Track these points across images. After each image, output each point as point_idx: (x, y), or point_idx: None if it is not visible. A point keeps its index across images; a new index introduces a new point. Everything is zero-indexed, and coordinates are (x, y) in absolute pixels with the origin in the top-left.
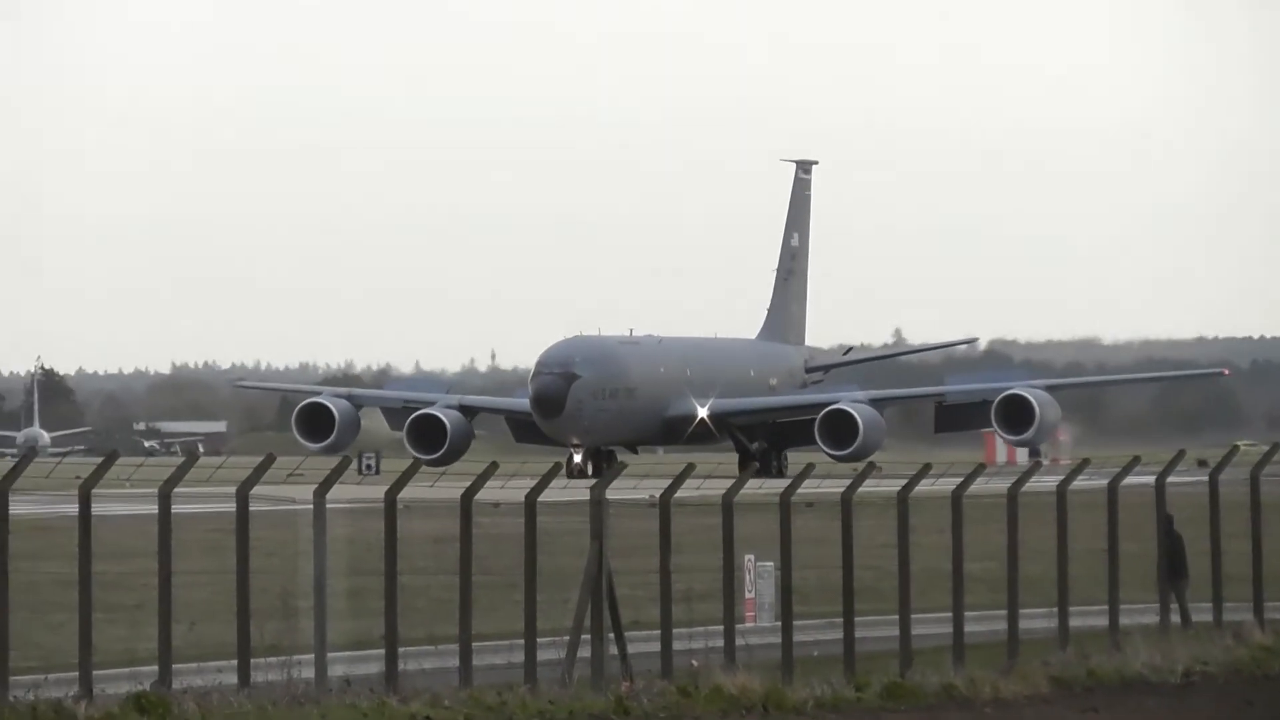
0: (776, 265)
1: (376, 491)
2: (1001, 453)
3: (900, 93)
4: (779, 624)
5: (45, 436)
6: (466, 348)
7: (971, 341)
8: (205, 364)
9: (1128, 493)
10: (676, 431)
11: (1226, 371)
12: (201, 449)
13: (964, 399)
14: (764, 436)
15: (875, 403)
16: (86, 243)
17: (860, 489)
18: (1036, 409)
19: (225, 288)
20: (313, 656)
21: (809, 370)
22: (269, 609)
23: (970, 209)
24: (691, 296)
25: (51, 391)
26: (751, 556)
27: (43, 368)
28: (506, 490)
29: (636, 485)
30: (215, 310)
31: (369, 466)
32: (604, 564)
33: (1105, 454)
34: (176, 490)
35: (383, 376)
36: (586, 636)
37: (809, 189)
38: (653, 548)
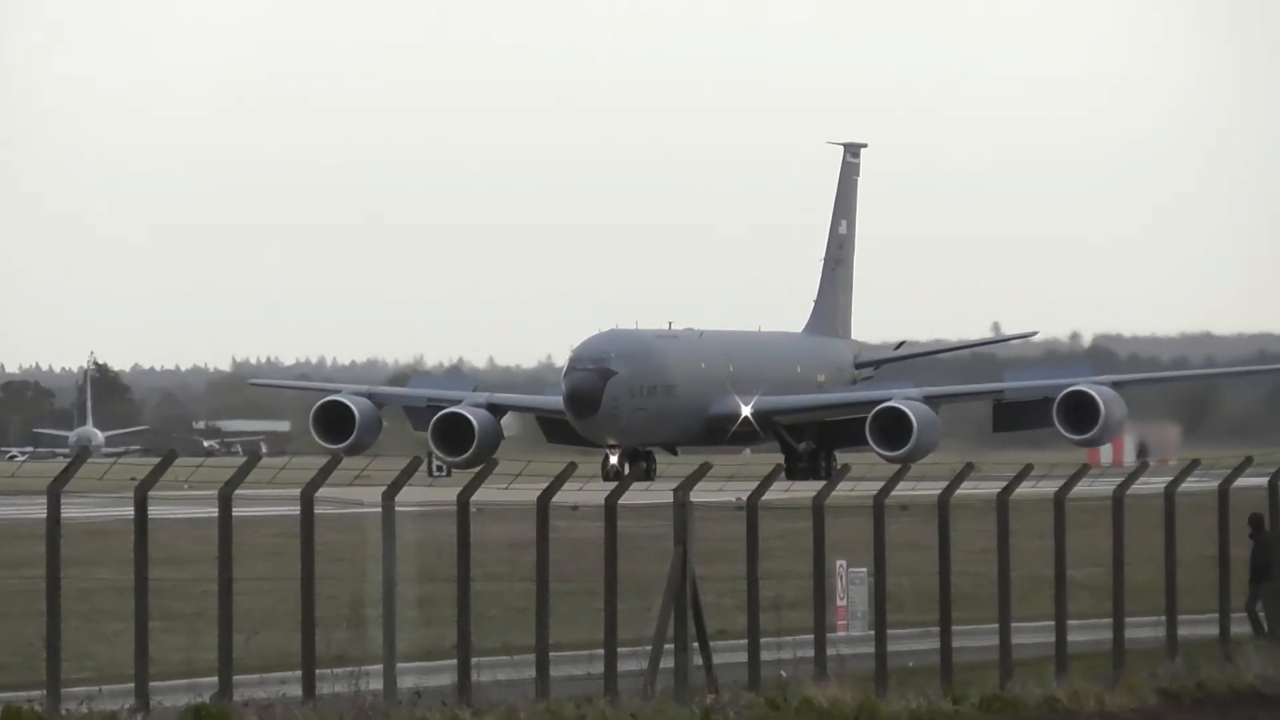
0: (824, 254)
1: (448, 494)
2: (1106, 454)
3: (956, 83)
4: (872, 633)
5: (99, 436)
6: (501, 343)
7: (1030, 335)
8: (268, 360)
9: (1240, 495)
10: (719, 431)
11: None
12: (264, 449)
13: (1024, 396)
14: (812, 436)
15: (930, 400)
16: (142, 236)
17: (957, 491)
18: (1101, 406)
19: (288, 281)
20: (381, 667)
21: (858, 366)
22: (335, 617)
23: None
24: (735, 288)
25: (105, 389)
26: (843, 562)
27: (96, 364)
28: (585, 493)
29: (722, 488)
30: (278, 305)
31: (440, 468)
32: (688, 570)
33: (1216, 454)
34: (237, 492)
35: (455, 372)
36: (669, 646)
37: (858, 173)
38: (739, 553)
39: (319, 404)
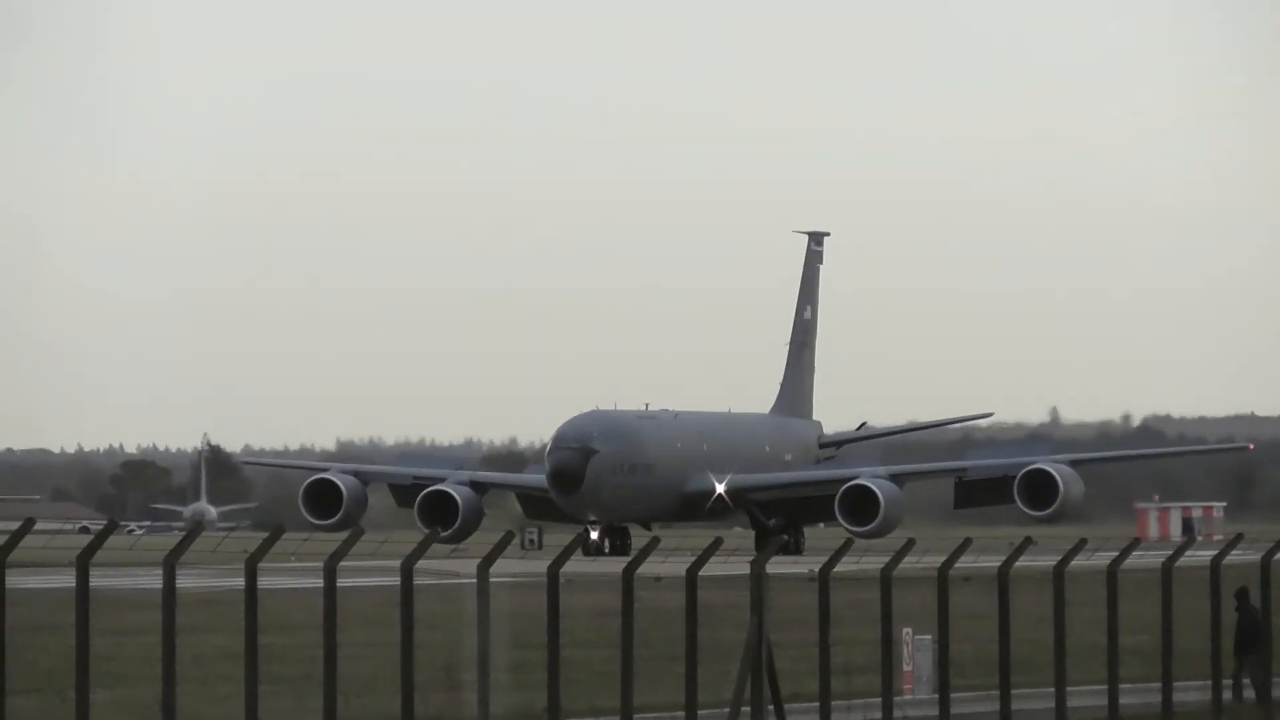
0: (789, 338)
1: (539, 566)
2: (1154, 528)
3: (919, 163)
4: (936, 696)
5: (212, 511)
6: (477, 423)
7: (987, 415)
8: (370, 440)
9: None
10: (694, 507)
11: (1251, 447)
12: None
13: (985, 474)
14: (781, 512)
15: (895, 478)
16: (252, 319)
17: (1016, 563)
18: (1060, 484)
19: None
20: None
21: (822, 446)
22: (433, 681)
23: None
24: (702, 371)
25: (218, 468)
26: (909, 630)
27: (209, 444)
28: (668, 565)
29: (796, 560)
30: (380, 384)
31: (531, 541)
32: (764, 637)
33: (1260, 529)
34: (342, 564)
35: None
36: (746, 709)
37: (821, 261)
38: (811, 621)
39: (307, 482)
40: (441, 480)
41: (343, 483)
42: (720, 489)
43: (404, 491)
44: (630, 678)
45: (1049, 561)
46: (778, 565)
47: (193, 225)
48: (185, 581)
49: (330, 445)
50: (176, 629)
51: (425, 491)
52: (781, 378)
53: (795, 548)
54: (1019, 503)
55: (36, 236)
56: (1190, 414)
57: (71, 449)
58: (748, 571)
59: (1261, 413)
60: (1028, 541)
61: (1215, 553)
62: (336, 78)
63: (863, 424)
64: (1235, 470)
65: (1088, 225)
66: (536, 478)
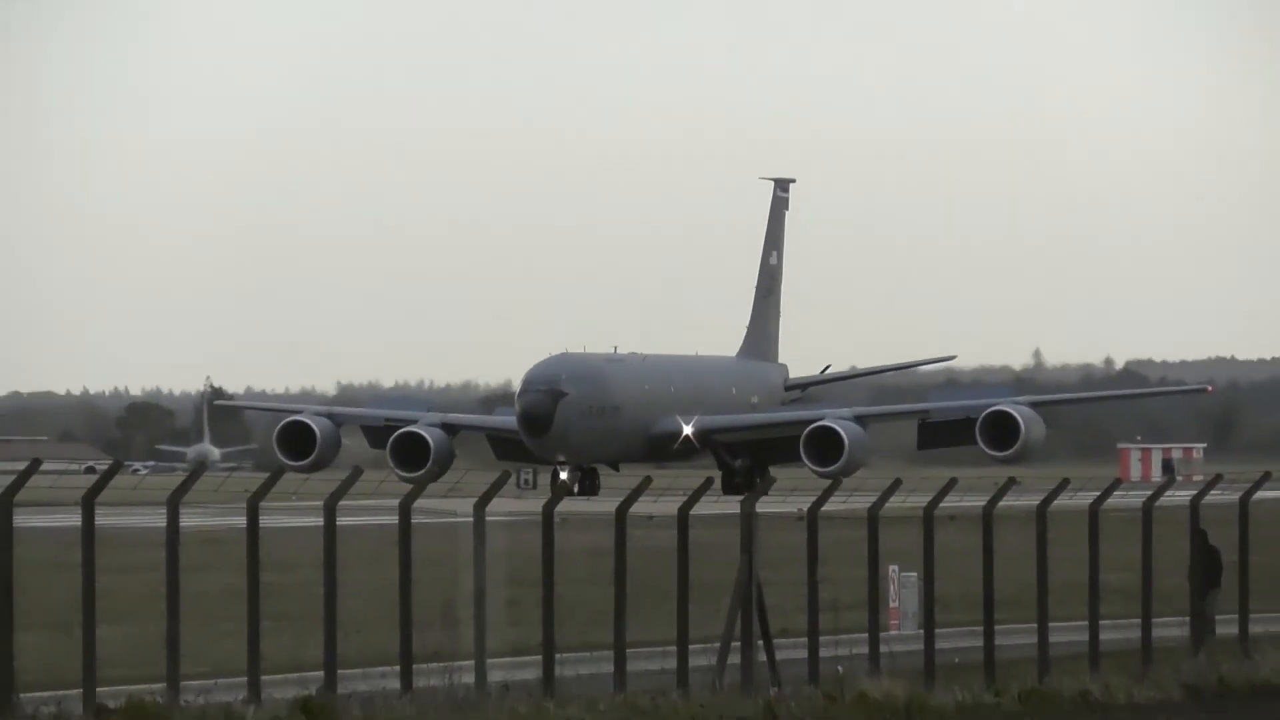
0: (755, 284)
1: (534, 505)
2: (1136, 469)
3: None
4: (922, 632)
5: (215, 452)
6: (444, 366)
7: (949, 359)
8: (369, 384)
9: (1259, 507)
10: (662, 448)
11: (1210, 389)
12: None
13: (947, 416)
14: (747, 453)
15: (859, 419)
16: (256, 261)
17: (1001, 502)
18: (1022, 425)
19: (390, 306)
20: (473, 663)
21: (788, 388)
22: (430, 618)
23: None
24: (670, 316)
25: (220, 410)
26: (896, 567)
27: (212, 387)
28: (660, 504)
29: (785, 499)
30: (379, 329)
31: (526, 481)
32: (753, 575)
33: (1238, 469)
34: (341, 504)
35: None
36: (736, 644)
37: (786, 207)
38: (800, 559)
39: (281, 424)
40: (413, 422)
41: (316, 425)
42: (687, 430)
43: (377, 433)
44: (623, 614)
45: (1032, 501)
46: (767, 505)
47: (197, 169)
48: (188, 520)
49: (330, 389)
50: (180, 567)
51: (397, 433)
52: (748, 322)
53: (763, 489)
54: (981, 443)
55: (39, 182)
56: (1172, 358)
57: (77, 391)
58: (738, 511)
59: (1241, 356)
60: (1011, 482)
61: (1194, 493)
62: (337, 28)
63: (827, 367)
64: (1215, 413)
65: (1069, 171)
66: (507, 420)
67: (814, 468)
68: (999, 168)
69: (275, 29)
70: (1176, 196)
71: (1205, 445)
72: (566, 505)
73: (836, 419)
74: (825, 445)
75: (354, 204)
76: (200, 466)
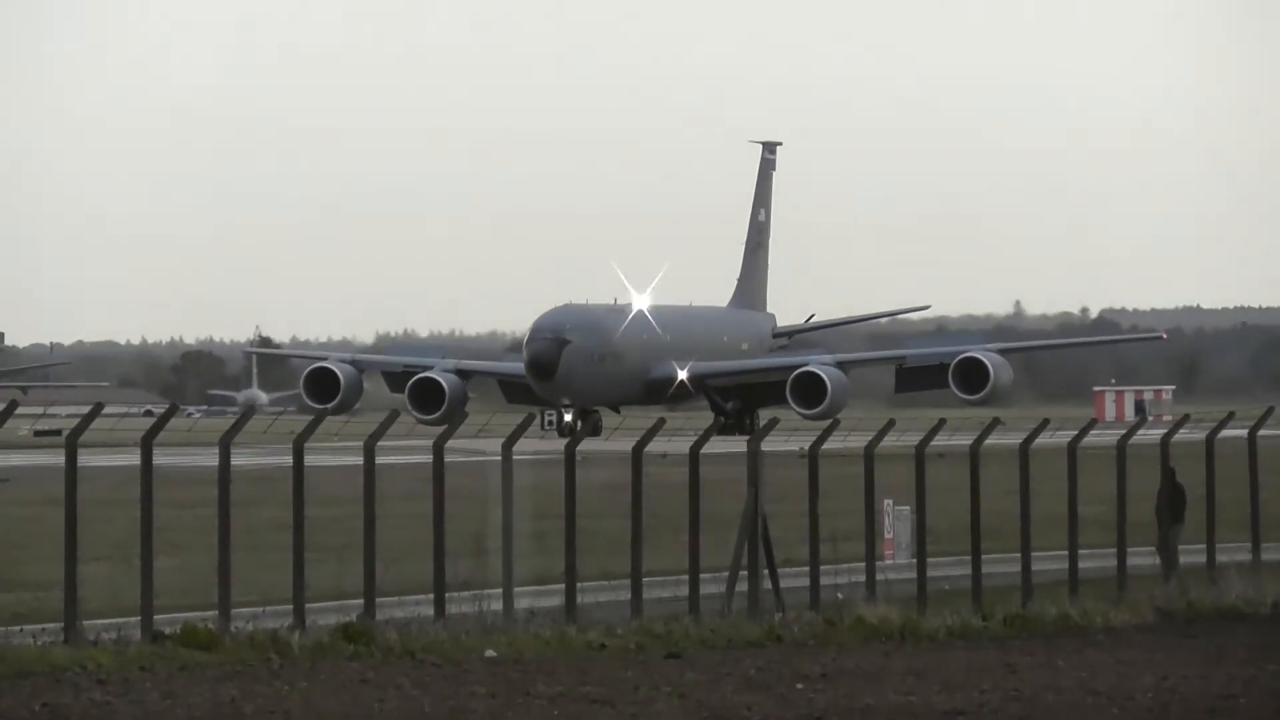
0: (745, 239)
1: (557, 445)
2: (1110, 410)
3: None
4: (914, 561)
5: (263, 396)
6: (454, 314)
7: (924, 309)
8: (405, 332)
9: (1224, 444)
10: (658, 392)
11: (1165, 336)
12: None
13: (923, 362)
14: (738, 397)
15: (841, 365)
16: (303, 214)
17: (986, 441)
18: (991, 370)
19: (424, 253)
20: (501, 591)
21: (775, 335)
22: (462, 549)
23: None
24: (670, 269)
25: (268, 358)
26: (890, 501)
27: (260, 336)
28: (672, 443)
29: (788, 439)
30: (414, 279)
31: (550, 422)
32: (759, 508)
33: (1204, 409)
34: (380, 444)
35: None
36: (744, 573)
37: (774, 168)
38: (802, 494)
39: (308, 370)
40: (429, 368)
41: (340, 371)
42: (682, 375)
43: (396, 378)
44: (639, 545)
45: (1014, 440)
46: (770, 444)
47: (249, 130)
48: (238, 460)
49: (369, 338)
50: (230, 503)
51: (415, 378)
52: (738, 275)
53: (750, 428)
54: (953, 387)
55: (103, 146)
56: (1143, 306)
57: (136, 341)
58: (744, 450)
59: (1206, 305)
60: (995, 422)
61: (1164, 431)
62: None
63: (811, 316)
64: (1183, 357)
65: (1047, 132)
66: (516, 365)
67: (799, 410)
68: (980, 128)
69: None
70: (1150, 155)
71: (1174, 388)
72: (586, 445)
73: (820, 365)
74: (810, 389)
75: (393, 167)
76: (249, 410)
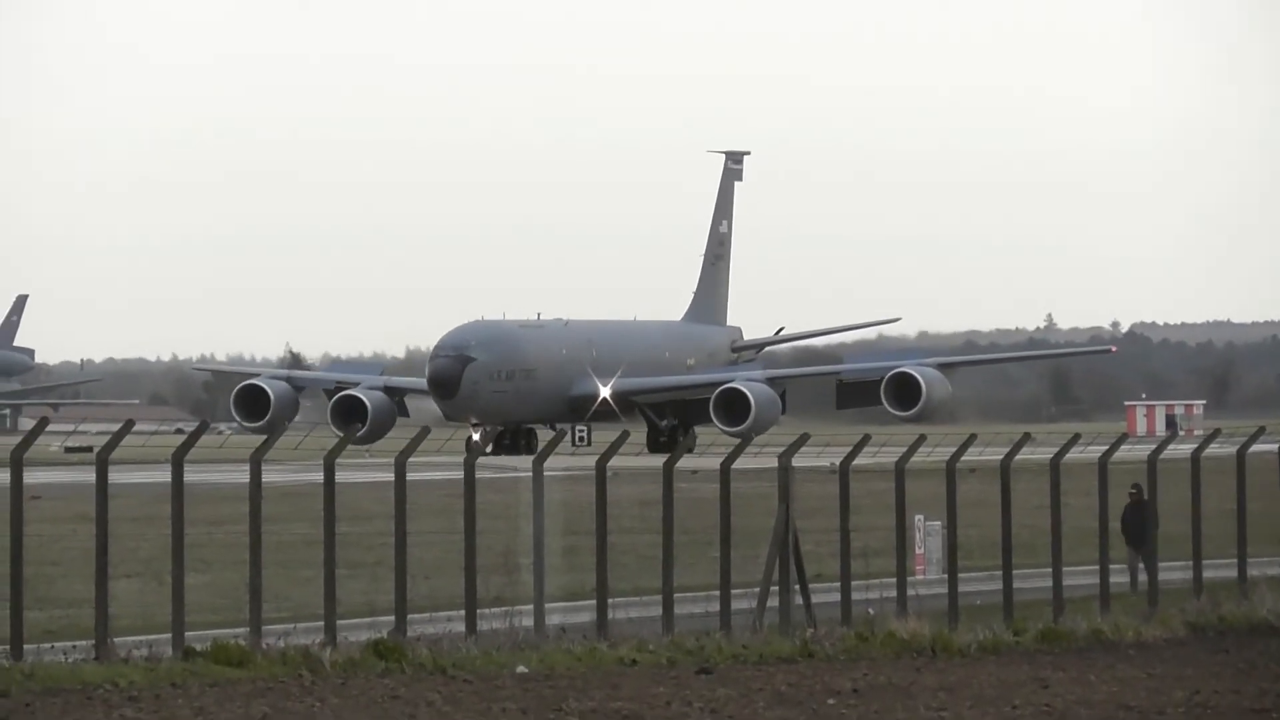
0: (704, 251)
1: (588, 460)
2: (1141, 424)
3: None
4: (945, 576)
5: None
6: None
7: (894, 321)
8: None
9: (1255, 459)
10: (581, 410)
11: (1114, 349)
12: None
13: (860, 377)
14: (673, 413)
15: (773, 381)
16: (334, 234)
17: (1017, 456)
18: (923, 385)
19: (449, 275)
20: (532, 607)
21: (736, 349)
22: (493, 565)
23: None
24: (625, 283)
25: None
26: (921, 516)
27: (291, 353)
28: (704, 459)
29: (820, 453)
30: (441, 297)
31: (581, 438)
32: (790, 524)
33: (1235, 424)
34: (411, 460)
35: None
36: (775, 588)
37: (739, 178)
38: (833, 509)
39: (237, 387)
40: (358, 385)
41: (271, 388)
42: (605, 393)
43: (332, 395)
44: (670, 561)
45: (1046, 455)
46: (800, 459)
47: (275, 149)
48: (269, 476)
49: (400, 353)
50: (262, 519)
51: (336, 396)
52: (695, 288)
53: (687, 446)
54: (885, 403)
55: (128, 165)
56: (1173, 320)
57: (167, 358)
58: (776, 465)
59: (1236, 319)
60: (1026, 437)
61: (1195, 446)
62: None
63: (780, 329)
64: (1214, 371)
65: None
66: None
67: (722, 427)
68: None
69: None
70: (1183, 170)
71: (1205, 402)
72: (617, 461)
73: (745, 380)
74: (735, 405)
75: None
76: (281, 427)
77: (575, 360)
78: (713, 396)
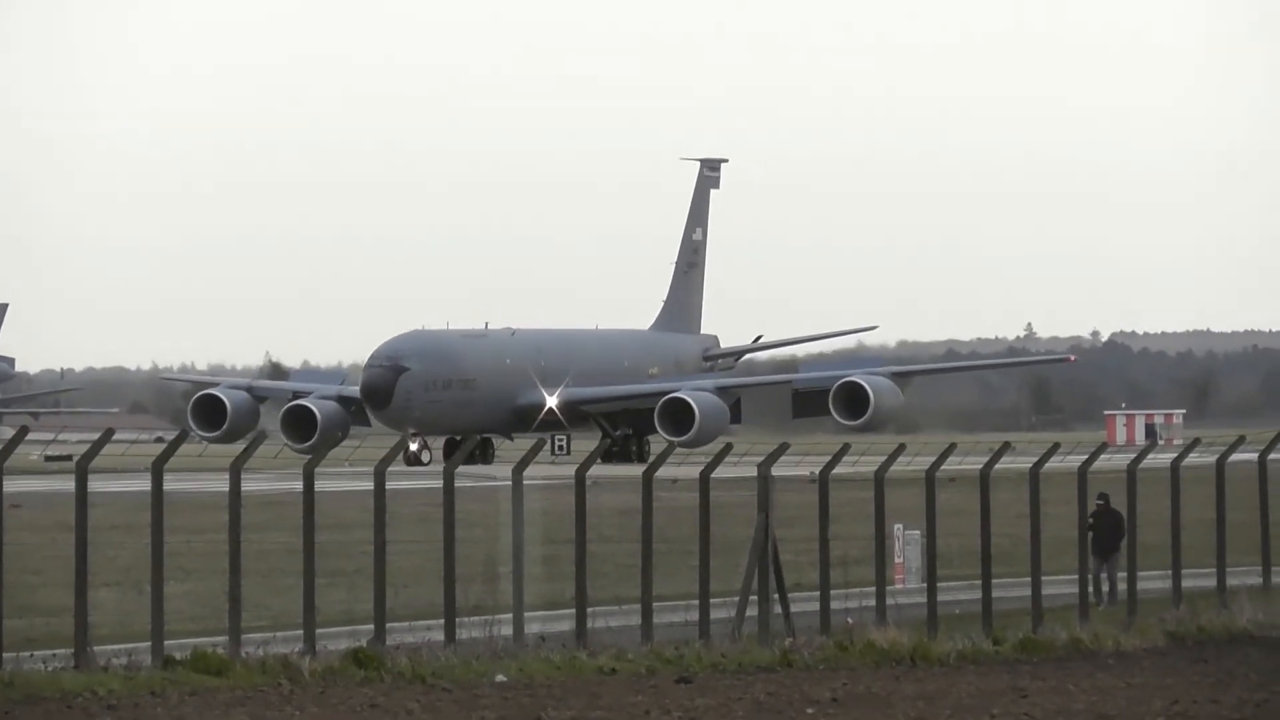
0: (676, 258)
1: (568, 469)
2: (1121, 434)
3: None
4: (924, 585)
5: (275, 422)
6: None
7: (871, 329)
8: None
9: (1234, 468)
10: (527, 419)
11: (1073, 358)
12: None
13: (813, 386)
14: (627, 423)
15: (724, 390)
16: (320, 241)
17: (997, 465)
18: (871, 395)
19: (431, 284)
20: (511, 616)
21: (708, 358)
22: (472, 574)
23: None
24: (593, 291)
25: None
26: (900, 526)
27: (271, 362)
28: (684, 468)
29: (800, 462)
30: (420, 307)
31: (560, 447)
32: (769, 533)
33: (1215, 433)
34: (390, 469)
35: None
36: (754, 597)
37: (716, 185)
38: (812, 518)
39: (195, 396)
40: (309, 394)
41: (228, 398)
42: (551, 402)
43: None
44: (650, 570)
45: (1026, 464)
46: (779, 468)
47: (251, 156)
48: (249, 485)
49: None
50: (241, 528)
51: (286, 406)
52: (665, 296)
53: (640, 455)
54: (834, 412)
55: (108, 178)
56: (1153, 329)
57: (147, 367)
58: (755, 474)
59: (1216, 329)
60: (1006, 446)
61: (1175, 455)
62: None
63: (758, 337)
64: (1195, 380)
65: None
66: None
67: (667, 436)
68: (990, 145)
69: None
70: (1157, 174)
71: (1185, 411)
72: (599, 470)
73: (692, 390)
74: (680, 415)
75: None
76: (260, 436)
77: (520, 370)
78: (657, 406)
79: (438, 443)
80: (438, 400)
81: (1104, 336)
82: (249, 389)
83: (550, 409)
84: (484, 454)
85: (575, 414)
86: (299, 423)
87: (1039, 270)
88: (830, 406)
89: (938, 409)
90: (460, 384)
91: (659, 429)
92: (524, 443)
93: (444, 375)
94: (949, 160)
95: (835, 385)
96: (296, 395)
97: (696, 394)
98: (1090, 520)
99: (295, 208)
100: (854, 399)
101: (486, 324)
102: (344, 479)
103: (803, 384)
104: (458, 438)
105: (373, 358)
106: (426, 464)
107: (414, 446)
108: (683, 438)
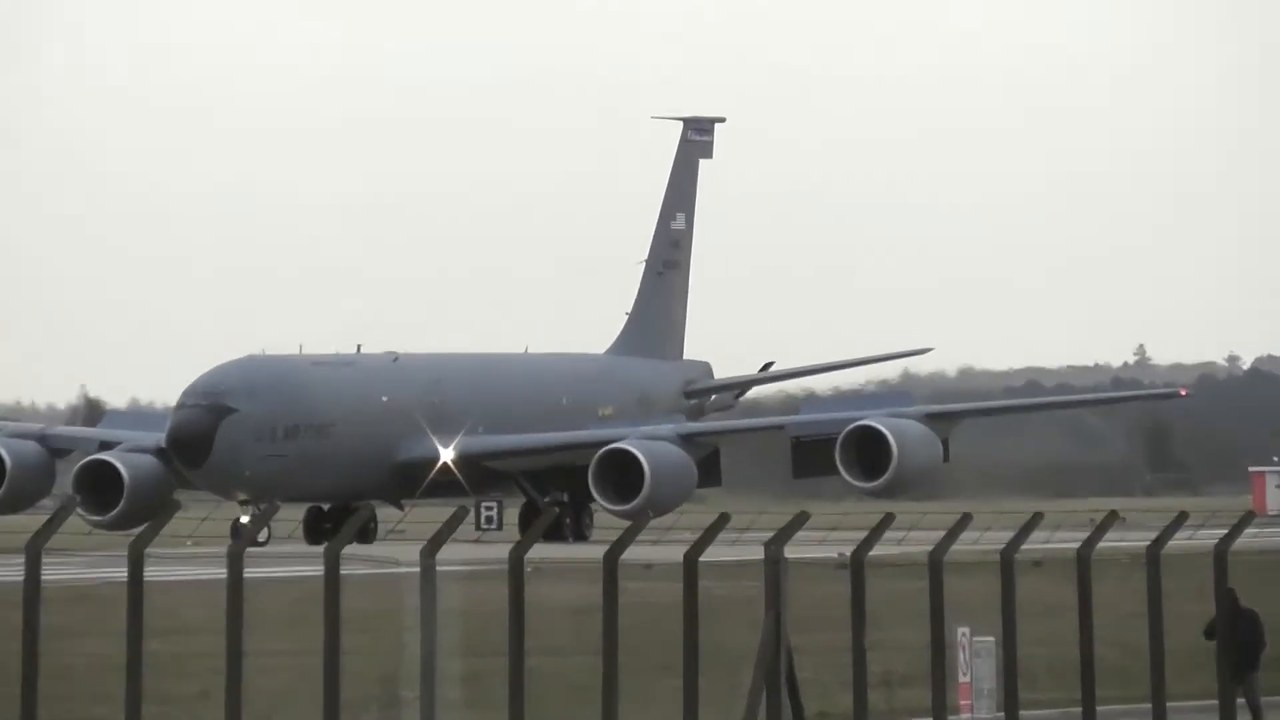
0: (646, 256)
1: (500, 550)
2: (1274, 497)
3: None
4: (1002, 714)
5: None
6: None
7: (925, 352)
8: None
9: None
10: (414, 480)
11: (1184, 392)
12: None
13: (816, 433)
14: (558, 485)
15: (691, 440)
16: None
17: (1100, 543)
18: (893, 445)
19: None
20: None
21: (692, 394)
22: (365, 698)
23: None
24: (542, 304)
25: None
26: (965, 629)
27: (87, 399)
28: (659, 548)
29: (823, 540)
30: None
31: (489, 519)
32: (783, 639)
33: None
34: (250, 550)
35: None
36: None
37: (708, 154)
38: (841, 618)
39: None
40: (132, 445)
41: (7, 451)
42: (446, 456)
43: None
44: (614, 693)
45: (1142, 541)
46: (792, 548)
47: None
48: (51, 573)
49: None
50: (39, 632)
51: (80, 465)
52: (630, 308)
53: (576, 532)
54: (841, 470)
55: None
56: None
57: None
58: (761, 556)
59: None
60: (1113, 516)
61: None
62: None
63: (767, 364)
64: None
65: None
66: None
67: (604, 504)
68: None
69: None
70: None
71: None
72: (538, 551)
73: (642, 440)
74: (629, 473)
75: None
76: (70, 500)
77: (403, 412)
78: (592, 462)
79: (295, 512)
80: (279, 454)
81: (1245, 363)
82: (40, 438)
83: (444, 464)
84: (363, 529)
85: (482, 473)
86: (100, 484)
87: (1156, 274)
88: (837, 460)
89: (1006, 463)
90: (311, 430)
91: (594, 492)
92: (434, 513)
93: (287, 419)
94: (1038, 125)
95: (843, 433)
96: (105, 446)
97: (648, 444)
98: (1218, 626)
99: (139, 193)
100: (870, 450)
101: (359, 347)
102: (185, 564)
103: (803, 430)
104: (324, 506)
105: (185, 395)
106: (263, 544)
107: (245, 518)
108: (626, 506)
